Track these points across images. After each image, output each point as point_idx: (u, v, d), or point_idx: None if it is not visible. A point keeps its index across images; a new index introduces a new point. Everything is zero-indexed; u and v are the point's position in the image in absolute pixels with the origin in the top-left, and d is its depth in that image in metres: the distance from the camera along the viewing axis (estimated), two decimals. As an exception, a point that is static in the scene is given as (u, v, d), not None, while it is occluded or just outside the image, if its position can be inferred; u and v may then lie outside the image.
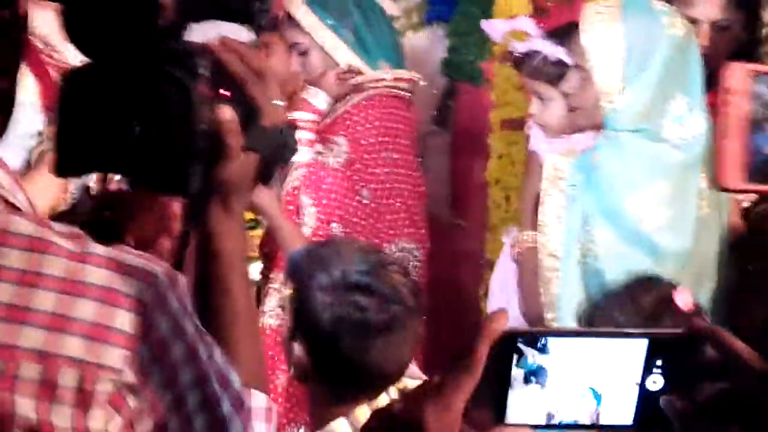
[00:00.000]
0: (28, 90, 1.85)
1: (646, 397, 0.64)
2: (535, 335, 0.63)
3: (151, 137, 0.88)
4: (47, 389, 0.77)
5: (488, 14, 2.69)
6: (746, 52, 2.19)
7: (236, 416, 0.89)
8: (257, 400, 0.96)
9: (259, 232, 2.11)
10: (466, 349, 0.59)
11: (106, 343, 0.79)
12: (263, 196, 1.87)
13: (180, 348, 0.83)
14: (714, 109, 1.90)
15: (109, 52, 0.90)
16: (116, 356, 0.78)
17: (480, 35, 2.74)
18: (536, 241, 1.95)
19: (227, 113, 0.91)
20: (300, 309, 1.47)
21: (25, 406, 0.77)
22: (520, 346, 0.62)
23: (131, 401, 0.80)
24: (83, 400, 0.78)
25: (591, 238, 1.88)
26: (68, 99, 0.91)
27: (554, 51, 1.96)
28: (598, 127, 1.88)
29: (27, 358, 0.77)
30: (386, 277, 1.47)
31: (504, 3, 2.58)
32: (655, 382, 0.63)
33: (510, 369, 0.63)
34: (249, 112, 0.94)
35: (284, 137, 0.98)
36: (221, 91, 0.93)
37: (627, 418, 0.63)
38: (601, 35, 1.86)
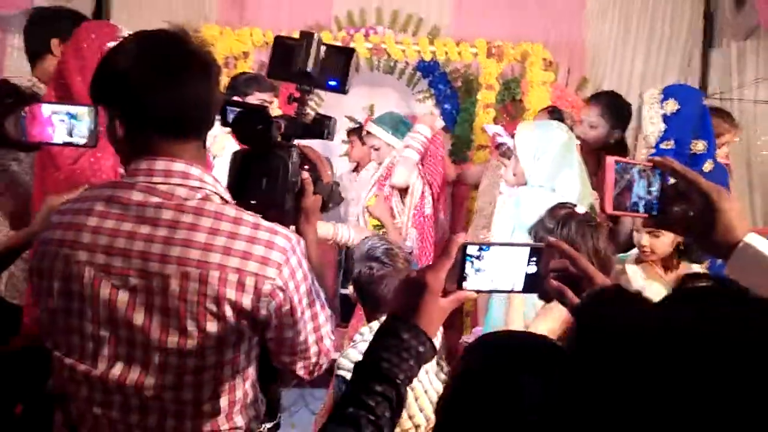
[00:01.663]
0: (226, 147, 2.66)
1: (527, 275, 0.95)
2: (476, 244, 0.93)
3: (270, 185, 1.33)
4: (240, 286, 1.14)
5: (471, 128, 4.06)
6: (616, 145, 3.10)
7: (323, 312, 1.28)
8: (326, 311, 1.30)
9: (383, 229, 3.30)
10: (445, 248, 0.94)
11: (267, 265, 1.15)
12: (380, 211, 2.98)
13: (301, 272, 1.21)
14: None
15: (255, 144, 1.35)
16: (272, 272, 1.16)
17: (468, 137, 4.20)
18: (492, 236, 2.77)
19: (305, 175, 1.37)
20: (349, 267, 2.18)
21: (230, 294, 1.13)
22: (469, 249, 0.93)
23: (280, 293, 1.17)
24: (256, 292, 1.14)
25: (515, 237, 2.47)
26: (236, 163, 1.37)
27: (510, 143, 2.89)
28: (524, 183, 2.59)
29: (230, 271, 1.13)
30: (388, 253, 2.08)
31: (478, 123, 3.88)
32: (532, 268, 0.95)
33: (465, 260, 0.93)
34: (316, 176, 1.39)
35: (333, 190, 1.44)
36: (305, 166, 1.38)
37: (519, 286, 0.96)
38: (524, 137, 2.62)
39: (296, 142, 1.38)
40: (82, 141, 1.51)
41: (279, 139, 1.33)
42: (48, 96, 2.03)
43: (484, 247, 0.93)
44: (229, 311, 1.13)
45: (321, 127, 1.37)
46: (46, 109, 1.50)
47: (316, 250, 1.38)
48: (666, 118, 2.78)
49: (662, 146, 2.79)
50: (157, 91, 1.14)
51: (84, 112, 1.50)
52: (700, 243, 1.00)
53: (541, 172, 2.61)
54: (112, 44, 1.29)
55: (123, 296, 1.13)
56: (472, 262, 0.92)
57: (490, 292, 0.97)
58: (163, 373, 1.15)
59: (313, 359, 1.26)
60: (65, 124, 1.50)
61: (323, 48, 1.33)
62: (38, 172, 1.93)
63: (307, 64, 1.30)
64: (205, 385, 1.17)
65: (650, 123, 2.78)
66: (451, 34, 4.42)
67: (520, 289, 0.95)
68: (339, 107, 4.11)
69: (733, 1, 4.41)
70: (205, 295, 1.11)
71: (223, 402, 1.20)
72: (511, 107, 4.36)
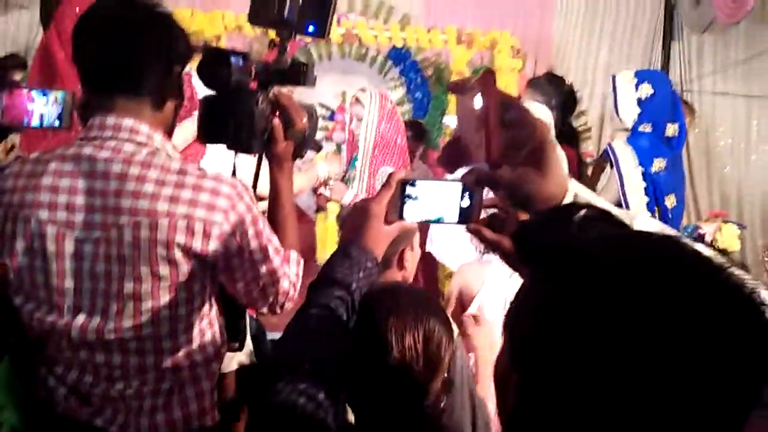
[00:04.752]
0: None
1: (461, 208, 1.00)
2: (414, 180, 1.00)
3: (237, 129, 1.34)
4: (190, 231, 1.21)
5: (443, 116, 4.21)
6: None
7: (277, 256, 1.31)
8: (292, 254, 1.39)
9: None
10: (386, 182, 1.00)
11: (214, 211, 1.22)
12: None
13: (249, 218, 1.26)
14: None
15: (218, 88, 1.35)
16: (219, 217, 1.23)
17: (439, 126, 4.31)
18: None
19: (276, 121, 1.38)
20: None
21: (180, 238, 1.21)
22: (407, 184, 1.00)
23: (228, 238, 1.24)
24: (205, 235, 1.22)
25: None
26: (205, 107, 1.38)
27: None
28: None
29: (179, 218, 1.21)
30: None
31: (450, 111, 3.97)
32: (465, 202, 1.00)
33: (404, 194, 1.00)
34: (288, 121, 1.38)
35: (305, 136, 1.43)
36: (276, 112, 1.37)
37: (454, 218, 1.00)
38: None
39: (275, 89, 1.39)
40: (57, 123, 1.58)
41: (253, 84, 1.36)
42: (32, 70, 2.06)
43: (420, 182, 0.99)
44: (178, 254, 1.21)
45: (296, 74, 1.38)
46: (23, 92, 1.56)
47: (291, 198, 1.43)
48: (641, 102, 2.87)
49: (640, 129, 2.91)
50: (92, 44, 1.25)
51: (59, 95, 1.57)
52: (529, 189, 0.78)
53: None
54: None
55: (88, 249, 1.22)
56: (410, 196, 0.99)
57: (427, 222, 1.03)
58: (121, 317, 1.23)
59: (271, 299, 1.32)
60: (41, 107, 1.56)
61: None
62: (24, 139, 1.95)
63: (284, 9, 1.33)
64: (162, 323, 1.25)
65: (625, 105, 2.88)
66: (421, 23, 4.47)
67: (455, 220, 0.99)
68: (310, 94, 4.07)
69: (692, -5, 4.57)
70: (155, 241, 1.19)
71: (182, 339, 1.28)
72: (480, 95, 4.44)
